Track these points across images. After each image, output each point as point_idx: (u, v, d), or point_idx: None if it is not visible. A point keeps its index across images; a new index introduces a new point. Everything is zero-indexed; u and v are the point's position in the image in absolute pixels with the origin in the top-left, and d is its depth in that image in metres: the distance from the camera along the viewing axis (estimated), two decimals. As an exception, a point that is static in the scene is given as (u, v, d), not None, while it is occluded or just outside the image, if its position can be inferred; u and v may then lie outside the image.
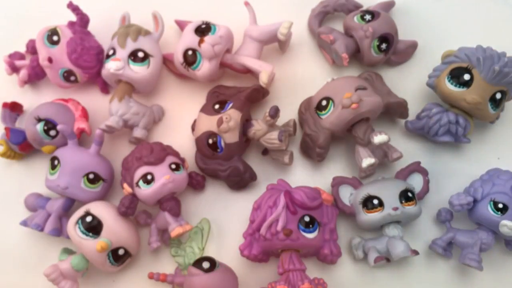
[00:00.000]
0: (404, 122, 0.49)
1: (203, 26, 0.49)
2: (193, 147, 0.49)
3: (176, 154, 0.46)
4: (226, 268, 0.41)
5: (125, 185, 0.45)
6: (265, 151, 0.49)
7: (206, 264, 0.40)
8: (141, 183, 0.44)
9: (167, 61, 0.52)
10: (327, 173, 0.49)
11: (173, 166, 0.45)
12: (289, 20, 0.49)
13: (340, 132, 0.46)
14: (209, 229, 0.46)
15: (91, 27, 0.52)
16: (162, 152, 0.44)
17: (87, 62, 0.49)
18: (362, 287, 0.46)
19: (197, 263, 0.40)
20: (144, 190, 0.44)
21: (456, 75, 0.46)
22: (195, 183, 0.47)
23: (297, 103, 0.50)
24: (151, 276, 0.42)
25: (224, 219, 0.48)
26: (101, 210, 0.43)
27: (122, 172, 0.46)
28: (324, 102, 0.46)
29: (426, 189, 0.46)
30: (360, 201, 0.44)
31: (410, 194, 0.44)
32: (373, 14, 0.50)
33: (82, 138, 0.49)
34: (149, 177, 0.44)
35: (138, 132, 0.48)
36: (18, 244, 0.48)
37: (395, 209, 0.43)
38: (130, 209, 0.44)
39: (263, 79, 0.47)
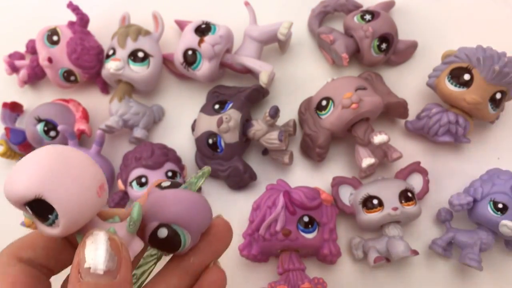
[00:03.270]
0: (404, 122, 0.49)
1: (203, 26, 0.49)
2: (193, 147, 0.49)
3: (177, 160, 0.46)
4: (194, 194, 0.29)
5: (119, 182, 0.45)
6: (265, 151, 0.49)
7: (165, 184, 0.29)
8: (134, 184, 0.44)
9: (167, 61, 0.52)
10: (327, 173, 0.49)
11: (170, 174, 0.44)
12: (289, 20, 0.49)
13: (340, 132, 0.46)
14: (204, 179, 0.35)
15: (91, 27, 0.52)
16: (162, 157, 0.44)
17: (87, 62, 0.49)
18: (362, 287, 0.46)
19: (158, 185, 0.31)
20: (136, 192, 0.44)
21: (456, 75, 0.45)
22: None
23: (297, 103, 0.50)
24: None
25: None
26: None
27: (121, 166, 0.46)
28: (324, 102, 0.46)
29: (426, 189, 0.46)
30: (360, 201, 0.44)
31: (410, 194, 0.44)
32: (373, 14, 0.50)
33: (81, 139, 0.49)
34: (143, 179, 0.44)
35: (138, 132, 0.48)
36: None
37: (395, 209, 0.43)
38: (119, 206, 0.45)
39: (263, 79, 0.47)
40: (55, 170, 0.21)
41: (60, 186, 0.20)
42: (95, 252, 0.21)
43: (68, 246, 0.25)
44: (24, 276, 0.23)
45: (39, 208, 0.21)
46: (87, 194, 0.21)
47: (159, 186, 0.27)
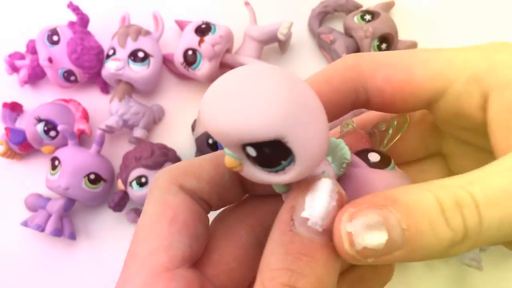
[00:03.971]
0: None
1: (203, 26, 0.49)
2: (193, 147, 0.49)
3: (176, 160, 0.46)
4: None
5: (119, 182, 0.45)
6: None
7: (374, 157, 0.22)
8: (134, 184, 0.44)
9: (167, 61, 0.52)
10: (327, 173, 0.49)
11: None
12: (289, 20, 0.49)
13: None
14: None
15: (91, 27, 0.52)
16: (161, 158, 0.44)
17: (87, 62, 0.49)
18: (362, 287, 0.46)
19: (362, 153, 0.23)
20: (136, 192, 0.44)
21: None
22: None
23: (297, 103, 0.50)
24: None
25: (224, 219, 0.48)
26: None
27: (121, 166, 0.46)
28: (324, 102, 0.46)
29: (426, 189, 0.46)
30: (360, 201, 0.44)
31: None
32: (373, 14, 0.50)
33: (81, 139, 0.49)
34: (143, 179, 0.44)
35: (138, 132, 0.48)
36: (18, 245, 0.48)
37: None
38: (119, 206, 0.45)
39: (263, 79, 0.47)
40: (296, 104, 0.15)
41: (302, 126, 0.15)
42: (318, 203, 0.17)
43: (236, 183, 0.21)
44: (186, 211, 0.19)
45: (271, 152, 0.16)
46: (325, 135, 0.16)
47: (365, 158, 0.20)
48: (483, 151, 0.21)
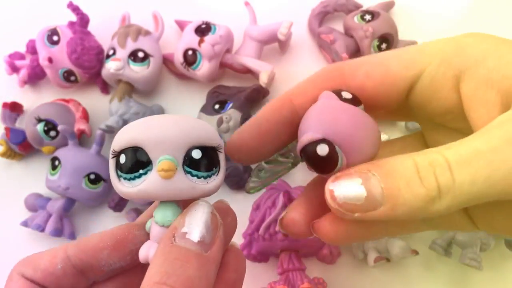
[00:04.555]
0: (404, 122, 0.49)
1: (203, 26, 0.49)
2: (193, 147, 0.49)
3: None
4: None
5: None
6: (265, 151, 0.49)
7: (346, 94, 0.23)
8: None
9: (167, 61, 0.52)
10: (327, 173, 0.49)
11: None
12: (289, 20, 0.49)
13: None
14: None
15: (91, 27, 0.52)
16: None
17: (87, 62, 0.49)
18: (362, 287, 0.46)
19: (336, 91, 0.24)
20: None
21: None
22: None
23: (297, 103, 0.50)
24: None
25: (224, 219, 0.48)
26: None
27: None
28: (324, 102, 0.46)
29: (426, 189, 0.46)
30: (360, 201, 0.44)
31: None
32: (373, 14, 0.50)
33: (81, 139, 0.49)
34: None
35: (138, 132, 0.48)
36: (18, 245, 0.48)
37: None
38: (119, 206, 0.45)
39: (263, 79, 0.47)
40: None
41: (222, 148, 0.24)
42: (195, 220, 0.21)
43: (70, 274, 0.24)
44: None
45: (210, 155, 0.22)
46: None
47: (338, 94, 0.22)
48: (459, 133, 0.23)
